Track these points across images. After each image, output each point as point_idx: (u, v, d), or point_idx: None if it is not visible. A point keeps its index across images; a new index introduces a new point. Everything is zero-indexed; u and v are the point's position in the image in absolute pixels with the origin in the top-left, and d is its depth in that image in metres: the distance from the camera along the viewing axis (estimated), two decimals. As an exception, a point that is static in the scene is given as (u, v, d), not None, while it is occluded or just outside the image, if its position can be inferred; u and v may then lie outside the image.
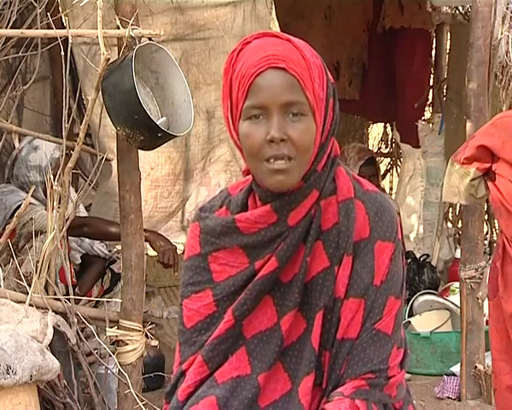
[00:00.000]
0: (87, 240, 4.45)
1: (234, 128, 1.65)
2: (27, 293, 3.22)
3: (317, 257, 1.69)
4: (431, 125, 6.23)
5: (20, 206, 3.55)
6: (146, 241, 3.81)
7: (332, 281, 1.68)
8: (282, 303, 1.70)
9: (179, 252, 4.75)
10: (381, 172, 7.16)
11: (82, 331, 3.41)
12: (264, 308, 1.71)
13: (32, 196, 3.61)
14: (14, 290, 3.35)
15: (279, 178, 1.60)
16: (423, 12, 5.97)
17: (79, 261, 4.47)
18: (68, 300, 3.34)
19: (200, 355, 1.72)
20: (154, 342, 3.52)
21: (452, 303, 4.84)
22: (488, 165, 3.25)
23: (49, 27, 3.38)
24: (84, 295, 4.17)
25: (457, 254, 5.22)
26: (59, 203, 3.30)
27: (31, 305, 3.19)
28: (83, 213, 4.44)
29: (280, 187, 1.62)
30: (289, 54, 1.59)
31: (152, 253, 4.10)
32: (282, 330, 1.69)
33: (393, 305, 1.71)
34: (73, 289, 3.46)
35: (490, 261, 4.28)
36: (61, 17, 3.57)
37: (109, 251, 4.65)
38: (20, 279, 3.36)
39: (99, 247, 4.52)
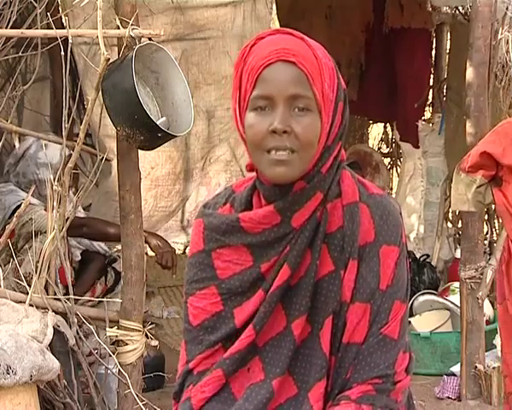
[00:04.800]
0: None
1: (241, 121, 1.65)
2: (27, 293, 3.22)
3: (322, 260, 1.68)
4: (431, 125, 6.23)
5: (19, 206, 3.55)
6: (145, 242, 3.82)
7: (339, 286, 1.68)
8: (291, 307, 1.69)
9: (179, 252, 4.75)
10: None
11: (80, 328, 3.40)
12: (274, 314, 1.70)
13: (32, 195, 3.61)
14: (14, 290, 3.35)
15: (280, 169, 1.60)
16: (424, 11, 5.97)
17: (79, 258, 4.46)
18: (68, 300, 3.34)
19: (221, 370, 1.71)
20: (154, 342, 3.52)
21: (452, 303, 4.83)
22: (493, 172, 3.27)
23: (49, 27, 3.38)
24: (85, 292, 4.17)
25: (457, 254, 5.22)
26: (59, 203, 3.29)
27: (31, 305, 3.18)
28: (81, 213, 4.43)
29: (281, 178, 1.61)
30: (300, 50, 1.60)
31: (152, 253, 4.11)
32: (294, 334, 1.68)
33: (399, 309, 1.70)
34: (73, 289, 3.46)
35: (490, 261, 4.29)
36: (60, 17, 3.57)
37: (109, 248, 4.64)
38: (20, 279, 3.35)
39: (99, 243, 4.50)
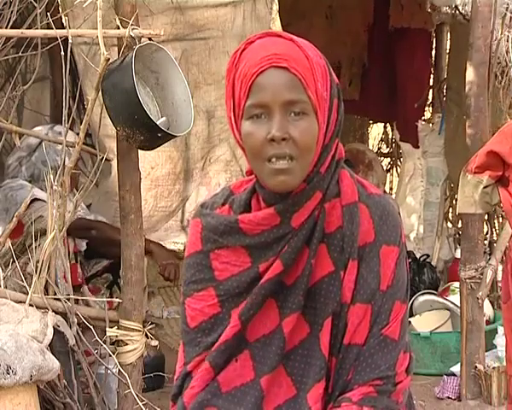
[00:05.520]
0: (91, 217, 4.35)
1: (236, 128, 1.64)
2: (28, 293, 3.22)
3: (321, 260, 1.68)
4: (431, 125, 6.23)
5: (32, 201, 3.54)
6: (149, 252, 3.83)
7: (338, 286, 1.67)
8: (285, 306, 1.68)
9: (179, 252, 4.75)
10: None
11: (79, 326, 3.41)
12: (267, 311, 1.69)
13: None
14: (16, 290, 3.35)
15: (281, 179, 1.59)
16: (423, 11, 5.97)
17: (85, 248, 4.38)
18: (68, 300, 3.34)
19: (208, 362, 1.71)
20: (154, 342, 3.52)
21: (452, 303, 4.84)
22: (500, 173, 3.28)
23: (49, 27, 3.38)
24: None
25: (457, 254, 5.22)
26: (59, 203, 3.29)
27: (31, 305, 3.18)
28: (85, 212, 4.39)
29: (282, 187, 1.61)
30: (292, 53, 1.59)
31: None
32: (284, 332, 1.68)
33: (399, 310, 1.70)
34: (80, 288, 3.47)
35: (490, 261, 4.29)
36: (60, 17, 3.57)
37: None
38: (24, 279, 3.35)
39: (100, 218, 4.43)
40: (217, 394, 1.70)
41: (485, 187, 3.34)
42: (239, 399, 1.69)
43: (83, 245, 4.36)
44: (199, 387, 1.71)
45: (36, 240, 3.36)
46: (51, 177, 3.32)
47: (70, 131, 3.66)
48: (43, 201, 3.75)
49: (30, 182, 3.97)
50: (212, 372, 1.71)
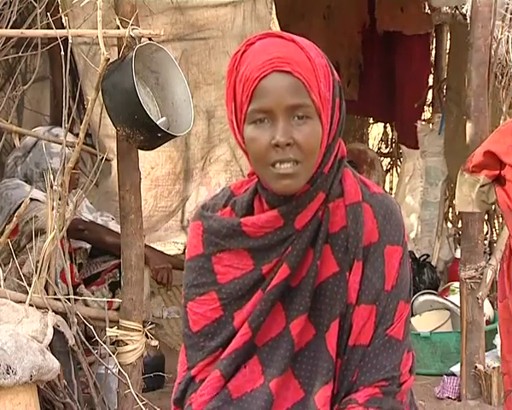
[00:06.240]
0: (89, 216, 4.36)
1: (239, 131, 1.63)
2: (28, 293, 3.22)
3: (326, 261, 1.67)
4: (431, 125, 6.22)
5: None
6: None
7: (344, 287, 1.66)
8: (292, 308, 1.67)
9: (179, 252, 4.74)
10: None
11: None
12: (274, 314, 1.69)
13: (42, 189, 3.58)
14: (15, 290, 3.35)
15: (286, 183, 1.59)
16: (405, 15, 6.00)
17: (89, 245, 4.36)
18: (68, 300, 3.34)
19: (218, 370, 1.70)
20: (154, 342, 3.52)
21: (452, 303, 4.83)
22: (497, 172, 3.27)
23: (49, 27, 3.38)
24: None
25: (457, 254, 5.21)
26: (59, 203, 3.29)
27: (31, 305, 3.18)
28: (90, 209, 4.38)
29: (287, 191, 1.60)
30: (294, 56, 1.57)
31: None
32: (292, 334, 1.67)
33: (403, 310, 1.70)
34: (76, 288, 3.47)
35: (490, 261, 4.29)
36: (60, 17, 3.57)
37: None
38: (21, 279, 3.35)
39: (104, 218, 4.43)
40: (228, 401, 1.70)
41: (481, 186, 3.34)
42: (249, 404, 1.68)
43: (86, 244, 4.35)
44: (209, 394, 1.70)
45: (32, 240, 3.36)
46: (51, 177, 3.32)
47: (68, 134, 3.66)
48: (38, 201, 3.76)
49: (26, 182, 3.97)
50: (222, 380, 1.70)
